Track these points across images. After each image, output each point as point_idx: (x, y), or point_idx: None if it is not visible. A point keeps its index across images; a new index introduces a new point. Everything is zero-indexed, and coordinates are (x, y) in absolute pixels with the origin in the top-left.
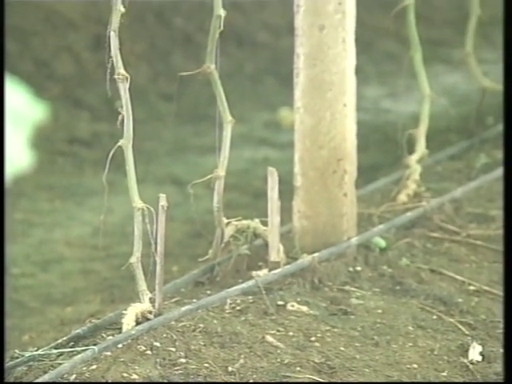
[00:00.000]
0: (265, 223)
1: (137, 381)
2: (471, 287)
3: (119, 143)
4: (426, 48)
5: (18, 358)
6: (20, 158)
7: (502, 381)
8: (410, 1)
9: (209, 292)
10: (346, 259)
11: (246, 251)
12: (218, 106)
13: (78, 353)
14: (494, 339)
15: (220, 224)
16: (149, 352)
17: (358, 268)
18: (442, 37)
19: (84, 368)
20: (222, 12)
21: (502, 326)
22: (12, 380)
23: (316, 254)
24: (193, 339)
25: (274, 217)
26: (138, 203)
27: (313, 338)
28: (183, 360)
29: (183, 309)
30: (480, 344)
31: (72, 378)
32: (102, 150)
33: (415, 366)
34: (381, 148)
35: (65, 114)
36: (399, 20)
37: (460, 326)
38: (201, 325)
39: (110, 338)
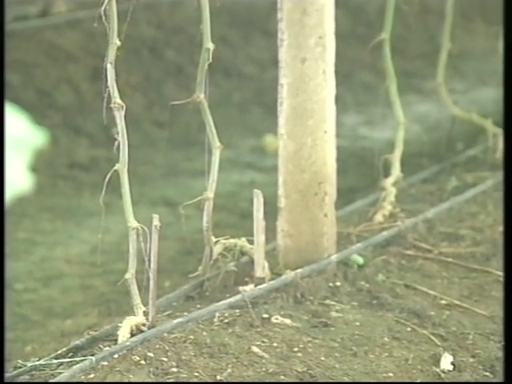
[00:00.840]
0: (251, 242)
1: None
2: (443, 301)
3: (115, 167)
4: (401, 79)
5: (20, 367)
6: (21, 181)
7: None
8: (386, 35)
9: (199, 306)
10: (326, 275)
11: (234, 268)
12: (207, 132)
13: (77, 363)
14: (464, 350)
15: (209, 242)
16: (143, 362)
17: (338, 283)
18: (415, 68)
19: (82, 377)
20: (210, 45)
21: (471, 337)
22: None
23: (298, 271)
24: (184, 350)
25: (260, 236)
26: (132, 223)
27: (295, 349)
28: (175, 369)
29: (175, 321)
30: (451, 354)
31: None
32: (99, 173)
33: (391, 374)
34: (358, 172)
35: (65, 141)
36: (375, 53)
37: (432, 338)
38: (191, 336)
39: (107, 348)
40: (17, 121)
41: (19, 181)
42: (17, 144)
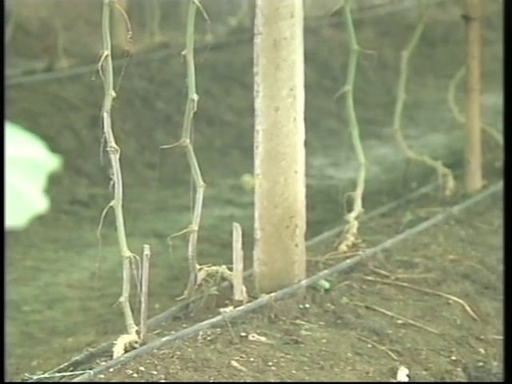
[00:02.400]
0: (230, 269)
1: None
2: (399, 321)
3: (111, 204)
4: (362, 126)
5: (27, 380)
6: (36, 202)
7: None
8: (349, 87)
9: (184, 325)
10: (297, 298)
11: (215, 292)
12: (192, 173)
13: (77, 376)
14: (417, 364)
15: (194, 270)
16: (135, 375)
17: (307, 305)
18: (375, 117)
19: None
20: (195, 97)
21: (424, 353)
22: None
23: (272, 294)
24: (171, 364)
25: (238, 264)
26: (126, 253)
27: (270, 363)
28: (163, 382)
29: (163, 339)
30: (406, 368)
31: None
32: (97, 209)
33: None
34: (325, 207)
35: (67, 180)
36: (340, 103)
37: (390, 353)
38: (178, 352)
39: (104, 363)
40: (32, 146)
41: (35, 202)
42: (32, 167)
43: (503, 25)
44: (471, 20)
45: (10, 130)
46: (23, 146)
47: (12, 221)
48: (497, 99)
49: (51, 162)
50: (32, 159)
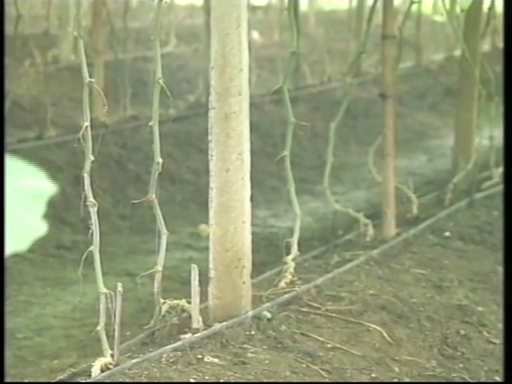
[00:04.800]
0: (189, 302)
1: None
2: (328, 345)
3: (90, 248)
4: (298, 184)
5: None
6: (36, 227)
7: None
8: (287, 152)
9: (151, 349)
10: (244, 326)
11: (176, 321)
12: (157, 223)
13: None
14: (344, 380)
15: (159, 303)
16: None
17: (253, 332)
18: (308, 176)
19: None
20: (160, 160)
21: (349, 371)
22: None
23: (224, 323)
24: (140, 382)
25: (195, 298)
26: (102, 289)
27: (222, 380)
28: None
29: (133, 361)
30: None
31: None
32: (79, 253)
33: None
34: (267, 251)
35: (53, 229)
36: (279, 165)
37: (321, 372)
38: (145, 372)
39: (83, 381)
40: (32, 174)
41: (35, 227)
42: (32, 195)
43: (503, 25)
44: (386, 98)
45: (11, 161)
46: (23, 174)
47: (14, 246)
48: (408, 162)
49: (49, 189)
50: (32, 187)
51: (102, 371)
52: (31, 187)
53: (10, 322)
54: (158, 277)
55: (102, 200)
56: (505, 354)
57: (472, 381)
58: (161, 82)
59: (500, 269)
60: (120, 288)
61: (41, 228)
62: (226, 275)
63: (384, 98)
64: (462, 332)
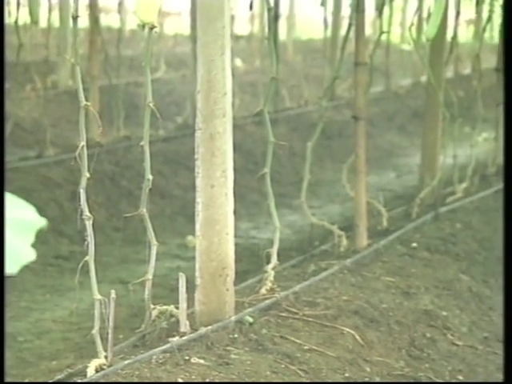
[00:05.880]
0: (177, 308)
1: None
2: (305, 347)
3: (86, 258)
4: (277, 198)
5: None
6: (26, 254)
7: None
8: (267, 170)
9: (142, 351)
10: (228, 330)
11: (165, 325)
12: (147, 234)
13: None
14: (319, 379)
15: (149, 308)
16: None
17: (236, 335)
18: (287, 192)
19: None
20: (150, 177)
21: (324, 371)
22: None
23: (209, 327)
24: (132, 381)
25: (183, 304)
26: (97, 296)
27: (207, 380)
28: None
29: (125, 362)
30: (310, 383)
31: None
32: (75, 262)
33: None
34: (249, 260)
35: (52, 240)
36: (260, 181)
37: (299, 372)
38: (137, 372)
39: (79, 381)
40: (24, 208)
41: (25, 254)
42: (23, 226)
43: (503, 26)
44: (358, 119)
45: (7, 197)
46: (17, 208)
47: (7, 269)
48: (378, 179)
49: (39, 221)
50: (24, 219)
51: (97, 371)
52: (23, 219)
53: (11, 327)
54: (149, 284)
55: (97, 214)
56: (505, 354)
57: (437, 380)
58: (151, 105)
59: (463, 276)
60: (113, 295)
61: (31, 255)
62: (211, 283)
63: (356, 120)
64: (428, 335)
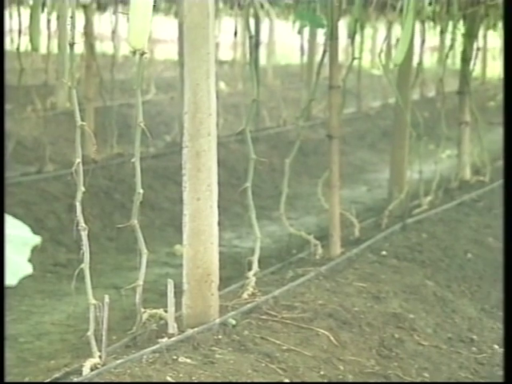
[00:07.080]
0: (166, 311)
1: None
2: (284, 347)
3: (81, 266)
4: (258, 210)
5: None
6: (23, 268)
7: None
8: (248, 184)
9: (133, 351)
10: (212, 331)
11: (155, 327)
12: (138, 244)
13: None
14: (297, 377)
15: (140, 312)
16: None
17: (220, 336)
18: (266, 204)
19: None
20: (141, 190)
21: (301, 369)
22: None
23: (195, 329)
24: (123, 379)
25: (171, 307)
26: (92, 300)
27: (194, 378)
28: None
29: (118, 361)
30: (288, 381)
31: None
32: (72, 269)
33: None
34: (232, 267)
35: (51, 249)
36: (242, 195)
37: (278, 370)
38: (129, 371)
39: (75, 380)
40: (21, 227)
41: (23, 268)
42: (21, 243)
43: (503, 25)
44: (332, 138)
45: (6, 217)
46: (14, 228)
47: (8, 281)
48: (350, 192)
49: (34, 239)
50: (21, 237)
51: (92, 370)
52: (20, 237)
53: (13, 329)
54: (140, 290)
55: (92, 225)
56: (505, 354)
57: (408, 379)
58: (142, 124)
59: (428, 282)
60: (107, 299)
61: (28, 268)
62: (197, 288)
63: (330, 139)
64: (397, 336)
